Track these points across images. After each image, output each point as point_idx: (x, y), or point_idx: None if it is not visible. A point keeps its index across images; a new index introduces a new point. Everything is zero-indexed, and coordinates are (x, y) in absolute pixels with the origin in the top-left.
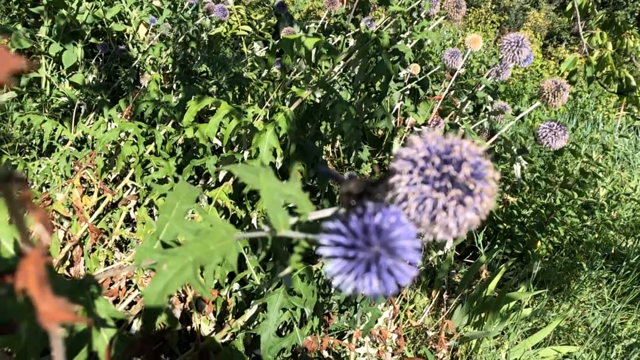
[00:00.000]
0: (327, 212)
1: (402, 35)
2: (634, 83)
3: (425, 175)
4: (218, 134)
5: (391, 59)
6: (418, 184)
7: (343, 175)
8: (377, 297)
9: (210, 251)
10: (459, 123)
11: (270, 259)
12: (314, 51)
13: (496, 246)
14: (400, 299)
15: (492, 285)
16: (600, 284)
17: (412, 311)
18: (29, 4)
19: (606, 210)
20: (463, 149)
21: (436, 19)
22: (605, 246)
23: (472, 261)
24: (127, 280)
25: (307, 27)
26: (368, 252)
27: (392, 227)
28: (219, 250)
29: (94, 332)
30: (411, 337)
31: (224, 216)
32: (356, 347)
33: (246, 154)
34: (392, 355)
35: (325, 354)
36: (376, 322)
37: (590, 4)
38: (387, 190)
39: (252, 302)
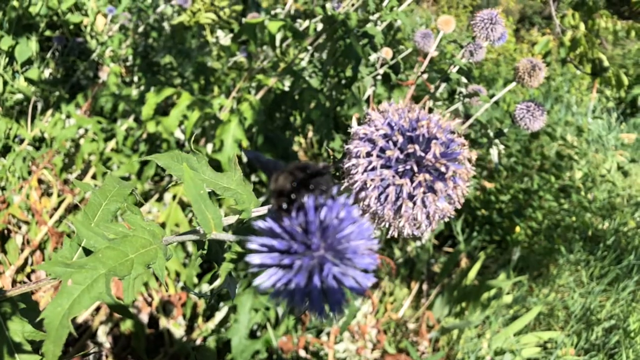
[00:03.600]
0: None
1: (371, 18)
2: (606, 63)
3: (386, 157)
4: (182, 127)
5: (360, 42)
6: (378, 169)
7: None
8: (324, 315)
9: (128, 260)
10: (433, 108)
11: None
12: (278, 36)
13: (475, 233)
14: (379, 291)
15: (472, 273)
16: (579, 267)
17: (392, 303)
18: None
19: (582, 193)
20: (432, 124)
21: (408, 5)
22: (582, 229)
23: (451, 250)
24: None
25: (273, 12)
26: (309, 257)
27: (341, 224)
28: (141, 258)
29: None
30: (392, 331)
31: (190, 214)
32: (335, 344)
33: (209, 146)
34: (373, 350)
35: (303, 353)
36: (355, 317)
37: None
38: (335, 179)
39: (222, 303)
